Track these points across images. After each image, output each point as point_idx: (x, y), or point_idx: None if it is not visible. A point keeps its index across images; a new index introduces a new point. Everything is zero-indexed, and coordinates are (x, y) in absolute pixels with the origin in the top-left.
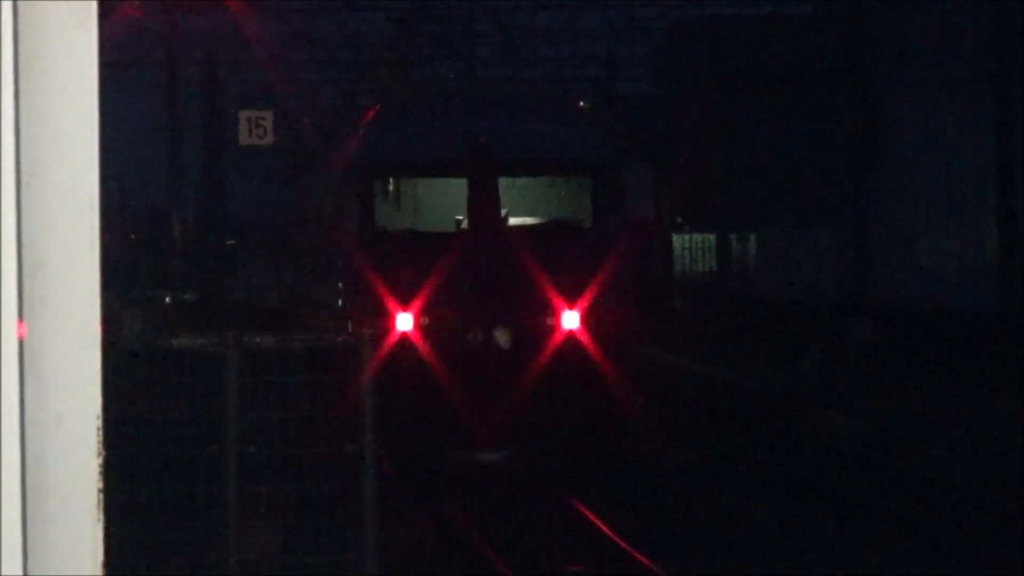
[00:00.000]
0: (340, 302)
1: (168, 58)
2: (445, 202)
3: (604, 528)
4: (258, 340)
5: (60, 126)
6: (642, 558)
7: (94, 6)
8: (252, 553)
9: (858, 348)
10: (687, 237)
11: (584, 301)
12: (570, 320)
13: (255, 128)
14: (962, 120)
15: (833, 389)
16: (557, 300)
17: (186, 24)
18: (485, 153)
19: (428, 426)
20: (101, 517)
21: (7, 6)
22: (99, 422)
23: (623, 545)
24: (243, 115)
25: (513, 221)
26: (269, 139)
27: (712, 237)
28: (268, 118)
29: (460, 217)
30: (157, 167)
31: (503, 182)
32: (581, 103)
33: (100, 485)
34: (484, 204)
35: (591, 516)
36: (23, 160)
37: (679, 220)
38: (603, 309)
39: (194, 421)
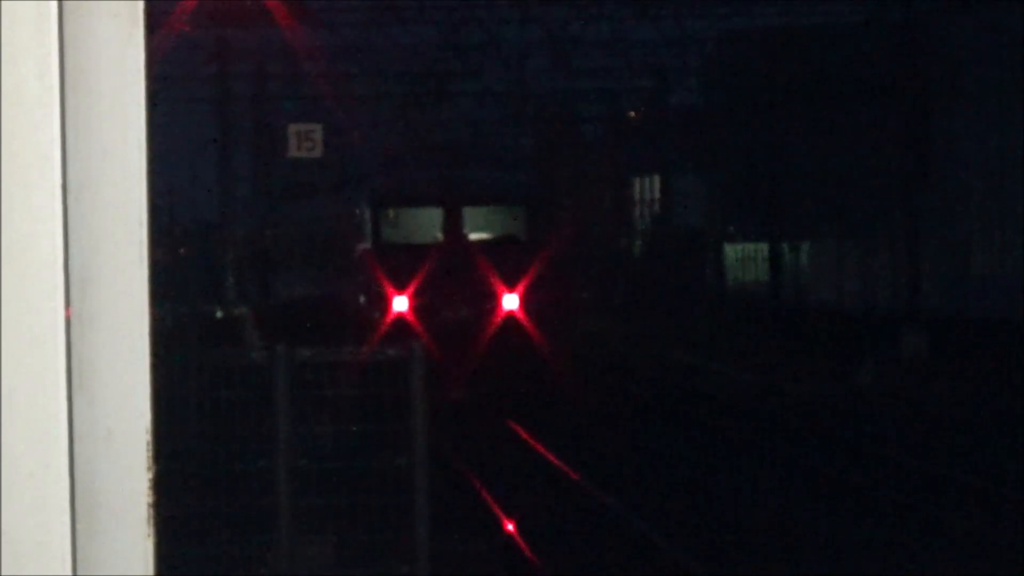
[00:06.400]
0: (359, 293)
1: (217, 72)
2: (428, 223)
3: (532, 442)
4: (308, 353)
5: (108, 141)
6: (557, 461)
7: (141, 20)
8: (304, 567)
9: (911, 359)
10: (739, 247)
11: (520, 290)
12: (511, 303)
13: (304, 141)
14: (1016, 128)
15: (892, 399)
16: (502, 289)
17: (234, 38)
18: (454, 190)
19: None
20: (152, 532)
21: (52, 19)
22: (149, 436)
23: (546, 454)
24: (292, 128)
25: (473, 236)
26: (318, 152)
27: (765, 247)
28: (317, 131)
29: (438, 234)
30: (205, 181)
31: (467, 210)
32: (632, 113)
33: (150, 500)
34: (453, 225)
35: (523, 434)
36: (70, 176)
37: (731, 230)
38: (534, 295)
39: (246, 434)
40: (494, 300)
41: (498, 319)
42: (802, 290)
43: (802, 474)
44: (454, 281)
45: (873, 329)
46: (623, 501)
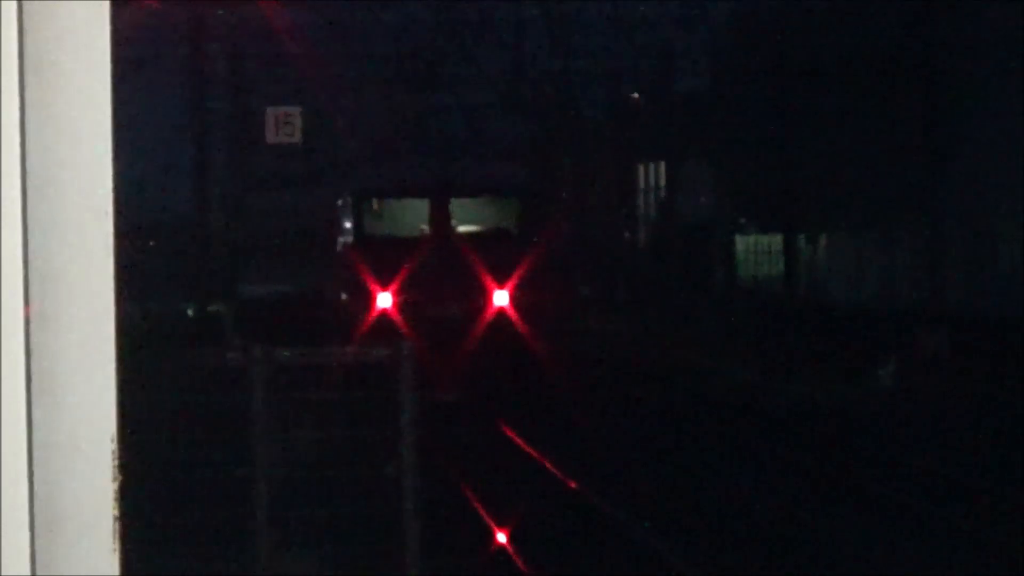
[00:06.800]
0: (340, 289)
1: (190, 52)
2: (413, 215)
3: (526, 447)
4: (287, 354)
5: (71, 127)
6: (553, 468)
7: None
8: None
9: (934, 359)
10: (751, 239)
11: (511, 286)
12: (501, 299)
13: (283, 126)
14: None
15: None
16: (492, 284)
17: (209, 16)
18: (441, 180)
19: None
20: (118, 548)
21: None
22: (114, 445)
23: (542, 460)
24: (270, 112)
25: (461, 229)
26: (297, 137)
27: (779, 239)
28: (297, 115)
29: (424, 226)
30: (177, 169)
31: (455, 201)
32: (635, 95)
33: (116, 513)
34: (440, 217)
35: (516, 439)
36: (30, 164)
37: (743, 221)
38: (526, 292)
39: (221, 442)
40: (484, 296)
41: (488, 316)
42: (818, 285)
43: (823, 484)
44: (441, 276)
45: (894, 327)
46: (625, 511)
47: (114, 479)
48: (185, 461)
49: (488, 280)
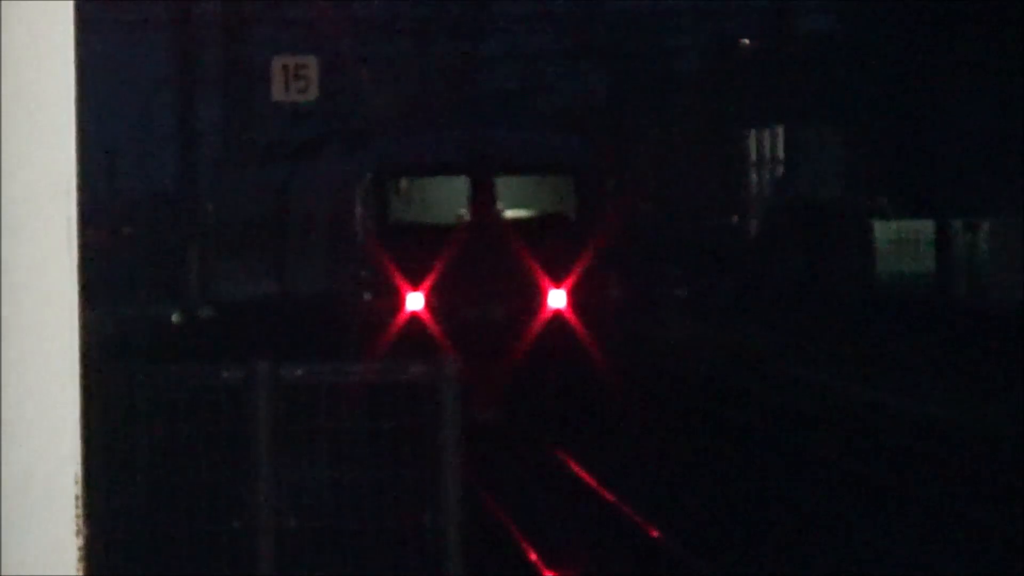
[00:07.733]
0: (361, 289)
1: None
2: (451, 198)
3: (592, 481)
4: (299, 371)
5: (30, 92)
6: (627, 508)
7: None
8: None
9: None
10: (893, 226)
11: (569, 283)
12: (557, 299)
13: (294, 80)
14: None
15: None
16: (546, 282)
17: None
18: (483, 157)
19: None
20: None
21: None
22: (78, 488)
23: (611, 498)
24: (278, 62)
25: (508, 214)
26: (313, 93)
27: (929, 225)
28: (311, 66)
29: (462, 211)
30: (158, 137)
31: (500, 181)
32: (744, 41)
33: (82, 574)
34: (482, 200)
35: (578, 470)
36: None
37: (883, 203)
38: (586, 290)
39: (214, 484)
40: (536, 297)
41: (542, 321)
42: (980, 285)
43: (976, 542)
44: (485, 273)
45: None
46: (722, 570)
47: (79, 532)
48: (167, 508)
49: (542, 277)
